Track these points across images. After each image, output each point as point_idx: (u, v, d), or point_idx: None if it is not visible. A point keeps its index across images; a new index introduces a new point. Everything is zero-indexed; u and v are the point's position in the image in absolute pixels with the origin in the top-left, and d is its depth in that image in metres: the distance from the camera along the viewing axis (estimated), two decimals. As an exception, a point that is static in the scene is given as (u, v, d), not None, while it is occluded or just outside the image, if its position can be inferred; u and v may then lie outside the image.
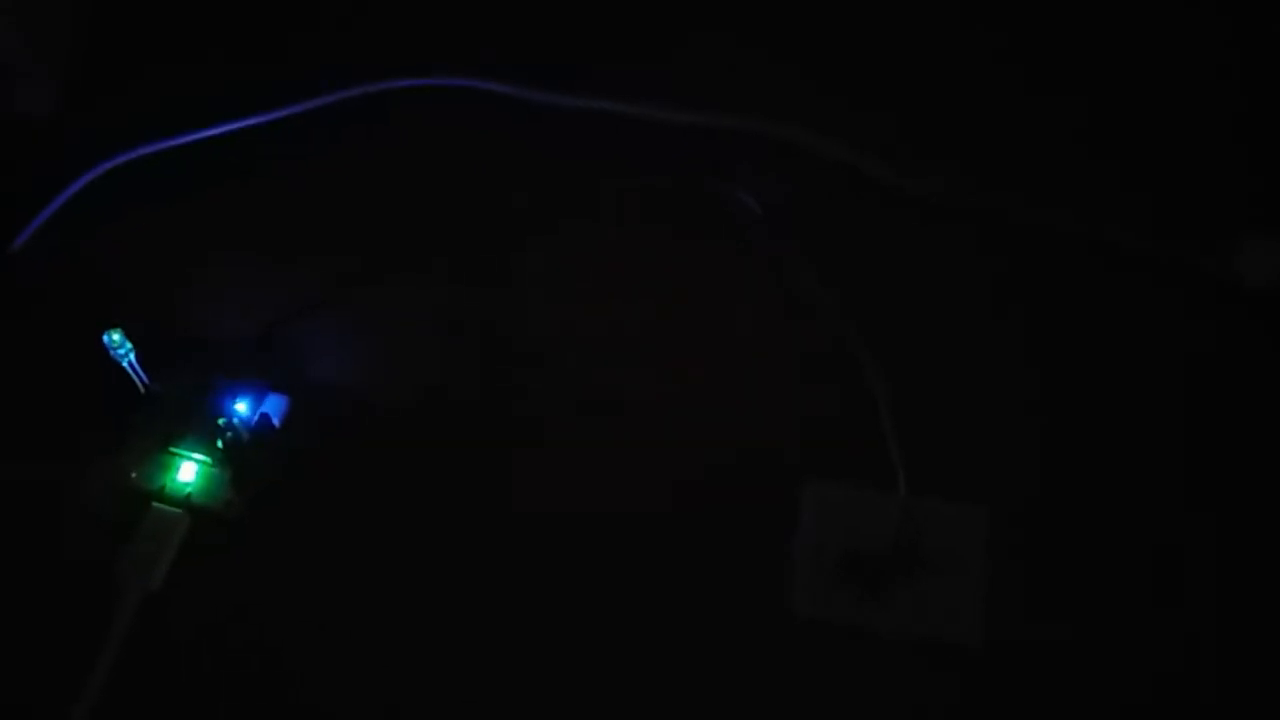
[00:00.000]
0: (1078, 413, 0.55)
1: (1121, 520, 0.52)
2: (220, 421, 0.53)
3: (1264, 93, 0.62)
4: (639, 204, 0.61)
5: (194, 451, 0.54)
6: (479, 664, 0.51)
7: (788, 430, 0.55)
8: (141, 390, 0.55)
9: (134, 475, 0.54)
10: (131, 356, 0.53)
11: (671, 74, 0.64)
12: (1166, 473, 0.53)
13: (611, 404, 0.56)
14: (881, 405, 0.53)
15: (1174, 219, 0.58)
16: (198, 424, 0.55)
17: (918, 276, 0.58)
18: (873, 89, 0.63)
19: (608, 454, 0.55)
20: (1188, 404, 0.55)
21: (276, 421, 0.56)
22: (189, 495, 0.54)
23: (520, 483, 0.54)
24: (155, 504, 0.53)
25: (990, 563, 0.51)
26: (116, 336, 0.52)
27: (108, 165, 0.62)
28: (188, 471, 0.54)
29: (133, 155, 0.62)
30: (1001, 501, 0.52)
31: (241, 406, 0.55)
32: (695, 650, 0.50)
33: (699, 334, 0.58)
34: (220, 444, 0.54)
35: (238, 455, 0.54)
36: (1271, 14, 0.63)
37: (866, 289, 0.58)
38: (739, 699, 0.50)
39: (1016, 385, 0.55)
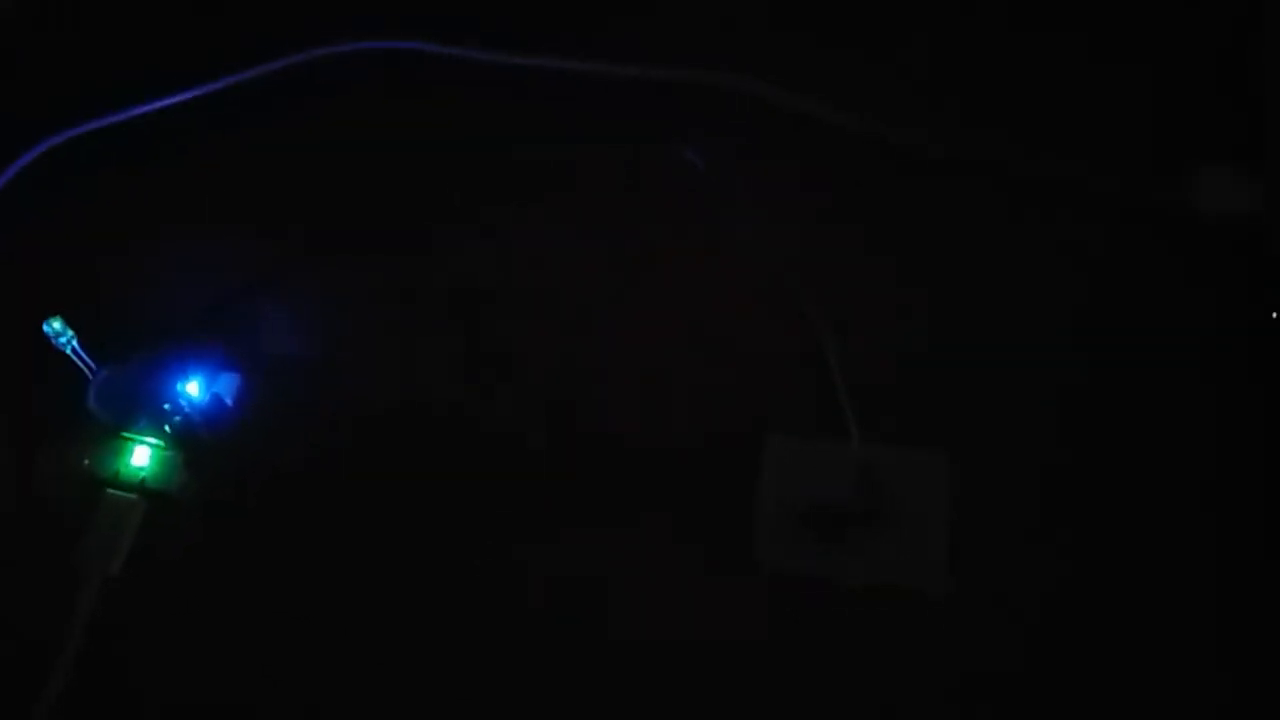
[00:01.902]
0: (1037, 355, 0.54)
1: (1085, 466, 0.52)
2: (166, 406, 0.53)
3: (1221, 25, 0.60)
4: (589, 164, 0.60)
5: (146, 435, 0.54)
6: (451, 619, 0.51)
7: (748, 385, 0.55)
8: (89, 375, 0.54)
9: (86, 462, 0.53)
10: (75, 343, 0.52)
11: (623, 34, 0.62)
12: (1130, 413, 0.53)
13: (568, 364, 0.56)
14: (831, 355, 0.53)
15: (1128, 153, 0.57)
16: (148, 407, 0.54)
17: (871, 222, 0.58)
18: (831, 35, 0.62)
19: (571, 414, 0.55)
20: (1151, 340, 0.54)
21: (229, 400, 0.55)
22: (143, 480, 0.53)
23: (482, 447, 0.54)
24: (109, 490, 0.53)
25: (952, 510, 0.51)
26: (57, 324, 0.51)
27: (45, 145, 0.60)
28: (141, 456, 0.54)
29: (70, 134, 0.61)
30: (963, 448, 0.52)
31: (193, 387, 0.54)
32: (665, 603, 0.50)
33: (652, 293, 0.57)
34: (169, 428, 0.53)
35: (190, 438, 0.53)
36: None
37: (820, 238, 0.57)
38: (706, 648, 0.50)
39: (974, 330, 0.55)
